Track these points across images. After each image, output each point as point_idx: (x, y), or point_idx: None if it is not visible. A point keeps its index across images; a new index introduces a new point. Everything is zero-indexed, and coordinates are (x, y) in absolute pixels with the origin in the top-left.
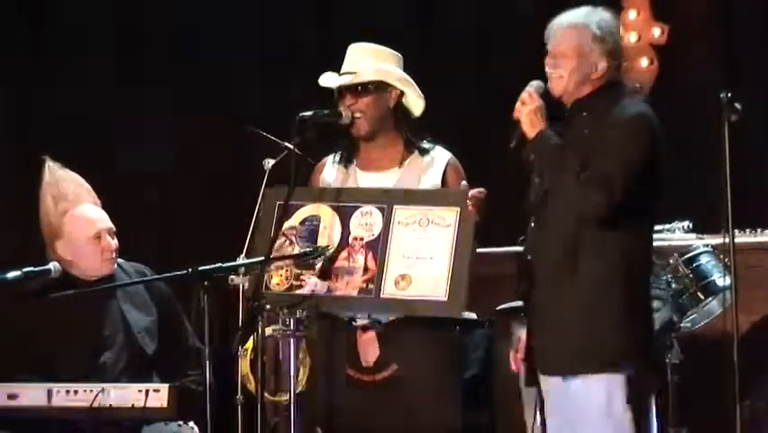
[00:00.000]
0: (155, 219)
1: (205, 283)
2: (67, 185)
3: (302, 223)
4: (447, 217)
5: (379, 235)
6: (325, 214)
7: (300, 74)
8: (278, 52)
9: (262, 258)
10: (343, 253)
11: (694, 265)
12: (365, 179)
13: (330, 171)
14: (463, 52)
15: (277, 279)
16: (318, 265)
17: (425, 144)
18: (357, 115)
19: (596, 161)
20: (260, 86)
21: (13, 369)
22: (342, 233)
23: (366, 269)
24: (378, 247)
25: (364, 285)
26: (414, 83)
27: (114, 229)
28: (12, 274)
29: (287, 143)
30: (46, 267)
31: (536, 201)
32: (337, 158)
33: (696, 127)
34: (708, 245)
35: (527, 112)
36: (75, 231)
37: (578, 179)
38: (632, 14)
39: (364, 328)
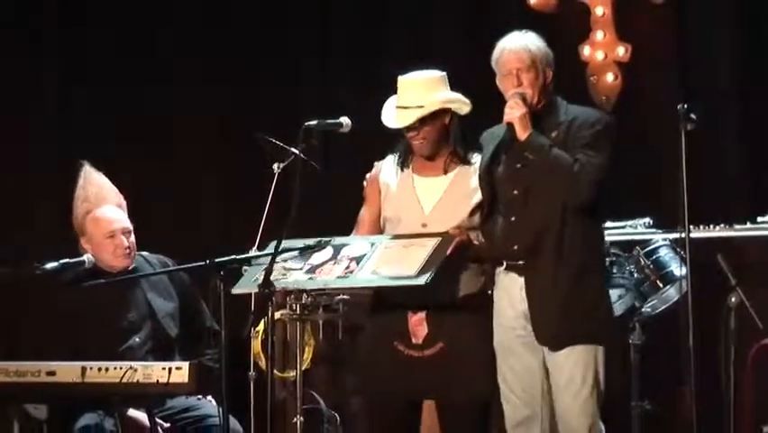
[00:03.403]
0: (178, 215)
1: (221, 273)
2: (92, 188)
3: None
4: (428, 243)
5: (366, 254)
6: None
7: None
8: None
9: (272, 251)
10: (330, 262)
11: (654, 257)
12: (420, 182)
13: (389, 172)
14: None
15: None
16: (306, 268)
17: (471, 155)
18: (416, 142)
19: (580, 155)
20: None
21: (51, 350)
22: (332, 254)
23: (347, 268)
24: (361, 258)
25: (343, 274)
26: (461, 96)
27: (131, 229)
28: (50, 265)
29: (293, 149)
30: (81, 258)
31: (513, 200)
32: (397, 160)
33: (655, 136)
34: (666, 239)
35: (520, 116)
36: (94, 229)
37: (572, 171)
38: (599, 35)
39: (414, 310)
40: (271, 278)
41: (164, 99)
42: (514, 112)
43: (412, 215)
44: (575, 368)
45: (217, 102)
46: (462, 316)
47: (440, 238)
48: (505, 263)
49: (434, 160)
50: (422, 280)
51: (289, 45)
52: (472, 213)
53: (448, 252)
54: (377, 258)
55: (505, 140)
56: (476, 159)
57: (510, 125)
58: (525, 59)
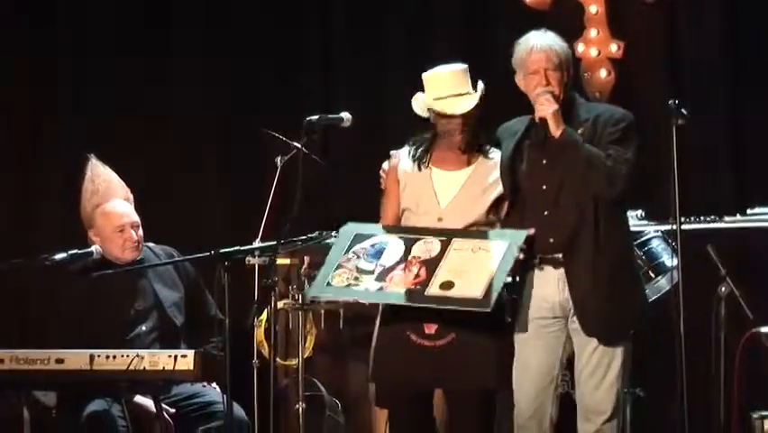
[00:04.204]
0: (184, 208)
1: (226, 263)
2: (100, 181)
3: (372, 245)
4: (497, 247)
5: (436, 256)
6: (393, 240)
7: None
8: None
9: (274, 242)
10: (401, 266)
11: (646, 248)
12: (438, 175)
13: (407, 162)
14: None
15: (338, 279)
16: (377, 272)
17: (489, 147)
18: (460, 129)
19: (611, 150)
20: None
21: (61, 338)
22: (403, 252)
23: (417, 276)
24: (431, 264)
25: (412, 286)
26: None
27: (139, 223)
28: (59, 256)
29: (296, 143)
30: (89, 250)
31: (542, 195)
32: (413, 153)
33: (647, 130)
34: (658, 231)
35: (553, 112)
36: (103, 223)
37: (606, 164)
38: (593, 33)
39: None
40: (344, 282)
41: (165, 99)
42: (547, 108)
43: (428, 208)
44: (603, 357)
45: (218, 100)
46: (477, 314)
47: (509, 242)
48: (539, 257)
49: (457, 151)
50: (487, 307)
51: (289, 45)
52: (490, 209)
53: (519, 257)
54: (446, 265)
55: (527, 136)
56: (493, 153)
57: (543, 122)
58: (554, 59)
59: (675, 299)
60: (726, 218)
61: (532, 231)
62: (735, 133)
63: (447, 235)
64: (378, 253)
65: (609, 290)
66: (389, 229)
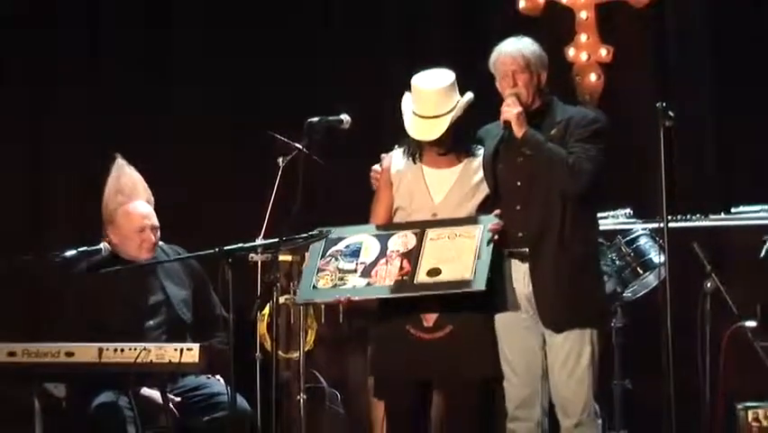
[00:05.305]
0: (184, 208)
1: (229, 260)
2: (126, 181)
3: (346, 246)
4: (472, 231)
5: (414, 248)
6: (366, 239)
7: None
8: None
9: (276, 239)
10: (382, 261)
11: (634, 245)
12: (430, 173)
13: (399, 163)
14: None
15: (323, 281)
16: (360, 270)
17: (476, 148)
18: (437, 146)
19: (575, 148)
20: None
21: (72, 332)
22: (380, 249)
23: (401, 268)
24: (412, 255)
25: (400, 278)
26: (468, 93)
27: (158, 225)
28: (69, 253)
29: (297, 144)
30: (98, 247)
31: (516, 191)
32: (406, 152)
33: (635, 131)
34: (645, 229)
35: (516, 114)
36: (124, 222)
37: (567, 162)
38: (583, 37)
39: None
40: (330, 283)
41: (165, 99)
42: (511, 110)
43: (422, 204)
44: (572, 348)
45: (218, 100)
46: (471, 300)
47: (482, 225)
48: (507, 251)
49: (445, 154)
50: (482, 285)
51: (290, 45)
52: (481, 206)
53: (494, 239)
54: (428, 255)
55: (504, 136)
56: (480, 152)
57: (507, 124)
58: (520, 62)
59: (662, 294)
60: (712, 216)
61: (497, 211)
62: (720, 134)
63: (420, 227)
64: (354, 253)
65: (569, 289)
66: (358, 229)
